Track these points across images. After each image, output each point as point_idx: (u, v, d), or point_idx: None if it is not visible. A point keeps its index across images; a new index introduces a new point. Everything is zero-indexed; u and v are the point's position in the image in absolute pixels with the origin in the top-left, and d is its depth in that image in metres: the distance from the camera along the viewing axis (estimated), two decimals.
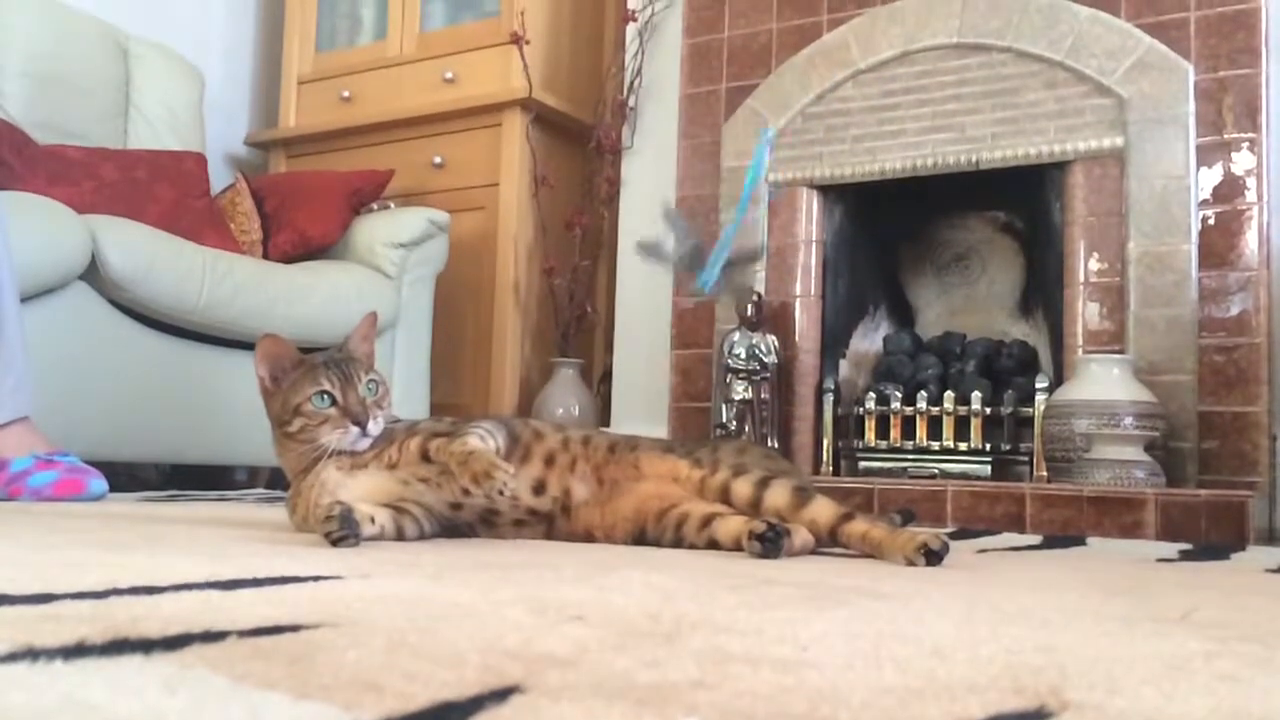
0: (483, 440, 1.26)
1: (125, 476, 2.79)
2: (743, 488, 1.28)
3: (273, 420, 1.31)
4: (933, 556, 1.15)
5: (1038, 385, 2.46)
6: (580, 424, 3.01)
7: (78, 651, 0.49)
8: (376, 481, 1.27)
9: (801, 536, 1.22)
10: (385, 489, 1.27)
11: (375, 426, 1.27)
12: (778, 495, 1.26)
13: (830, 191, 2.79)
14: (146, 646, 0.51)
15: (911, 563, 1.15)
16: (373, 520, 1.20)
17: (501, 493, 1.18)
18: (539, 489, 1.32)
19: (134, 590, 0.71)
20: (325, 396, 1.26)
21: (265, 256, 2.99)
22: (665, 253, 2.40)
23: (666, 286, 2.94)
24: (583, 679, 0.48)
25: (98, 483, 1.96)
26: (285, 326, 2.68)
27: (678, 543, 1.28)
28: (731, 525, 1.24)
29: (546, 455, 1.34)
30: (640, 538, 1.31)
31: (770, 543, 1.16)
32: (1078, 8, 2.46)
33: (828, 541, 1.24)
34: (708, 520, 1.26)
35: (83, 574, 0.79)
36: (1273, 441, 2.26)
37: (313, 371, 1.27)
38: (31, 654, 0.47)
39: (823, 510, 1.24)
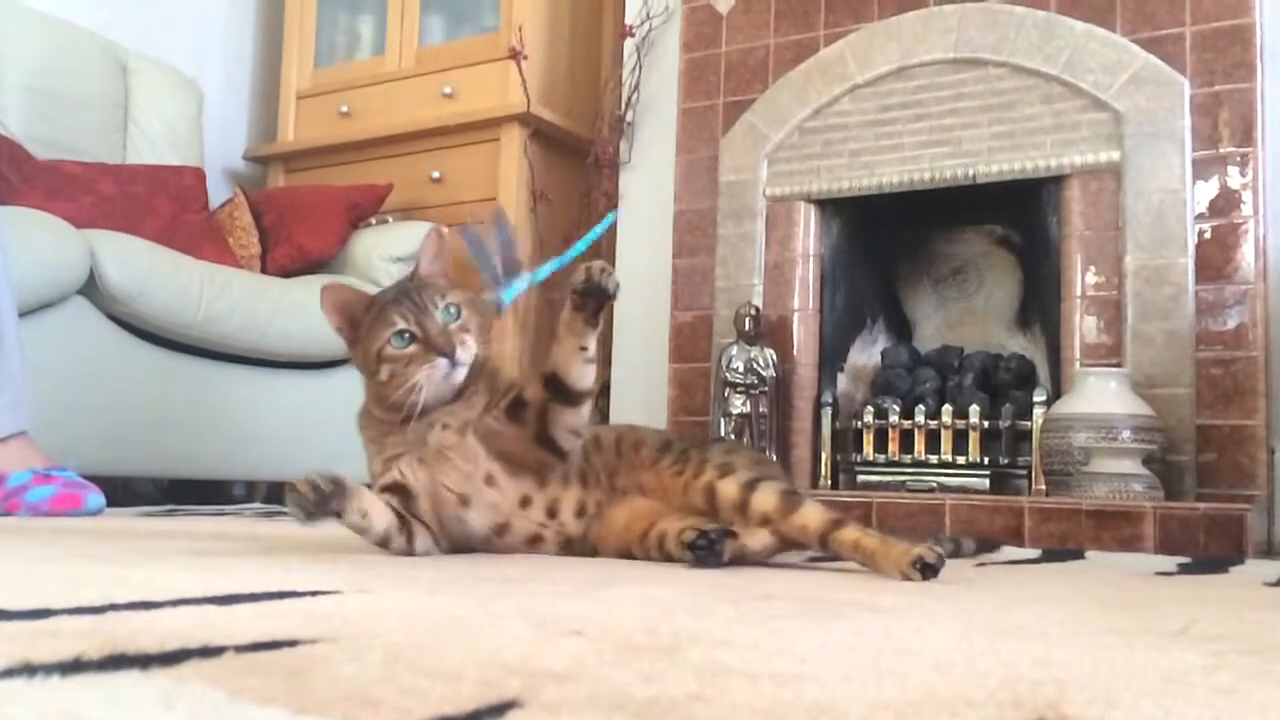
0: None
1: (123, 491, 2.79)
2: (729, 489, 1.22)
3: (363, 373, 1.24)
4: (928, 570, 1.09)
5: (1036, 399, 2.46)
6: None
7: (75, 667, 0.49)
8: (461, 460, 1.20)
9: (759, 539, 1.20)
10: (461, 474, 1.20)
11: (466, 353, 1.18)
12: (766, 499, 1.19)
13: (828, 205, 2.80)
14: (144, 662, 0.51)
15: (907, 577, 1.10)
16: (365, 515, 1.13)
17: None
18: (580, 512, 1.28)
19: (131, 605, 0.70)
20: (404, 335, 1.17)
21: (263, 271, 2.99)
22: (487, 253, 2.20)
23: (664, 301, 2.95)
24: (581, 693, 0.48)
25: (95, 498, 1.95)
26: (283, 341, 2.68)
27: (666, 559, 1.23)
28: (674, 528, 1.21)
29: (580, 473, 1.29)
30: (627, 555, 1.28)
31: (704, 550, 1.14)
32: (1073, 23, 2.47)
33: (817, 549, 1.19)
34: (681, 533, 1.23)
35: (80, 589, 0.79)
36: (1271, 455, 2.26)
37: (384, 312, 1.18)
38: (29, 670, 0.47)
39: (813, 516, 1.17)
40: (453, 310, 1.19)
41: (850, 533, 1.16)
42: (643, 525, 1.26)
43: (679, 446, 1.33)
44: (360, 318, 1.20)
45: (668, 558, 1.23)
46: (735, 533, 1.18)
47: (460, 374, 1.18)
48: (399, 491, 1.19)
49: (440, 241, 1.28)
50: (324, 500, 1.06)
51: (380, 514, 1.14)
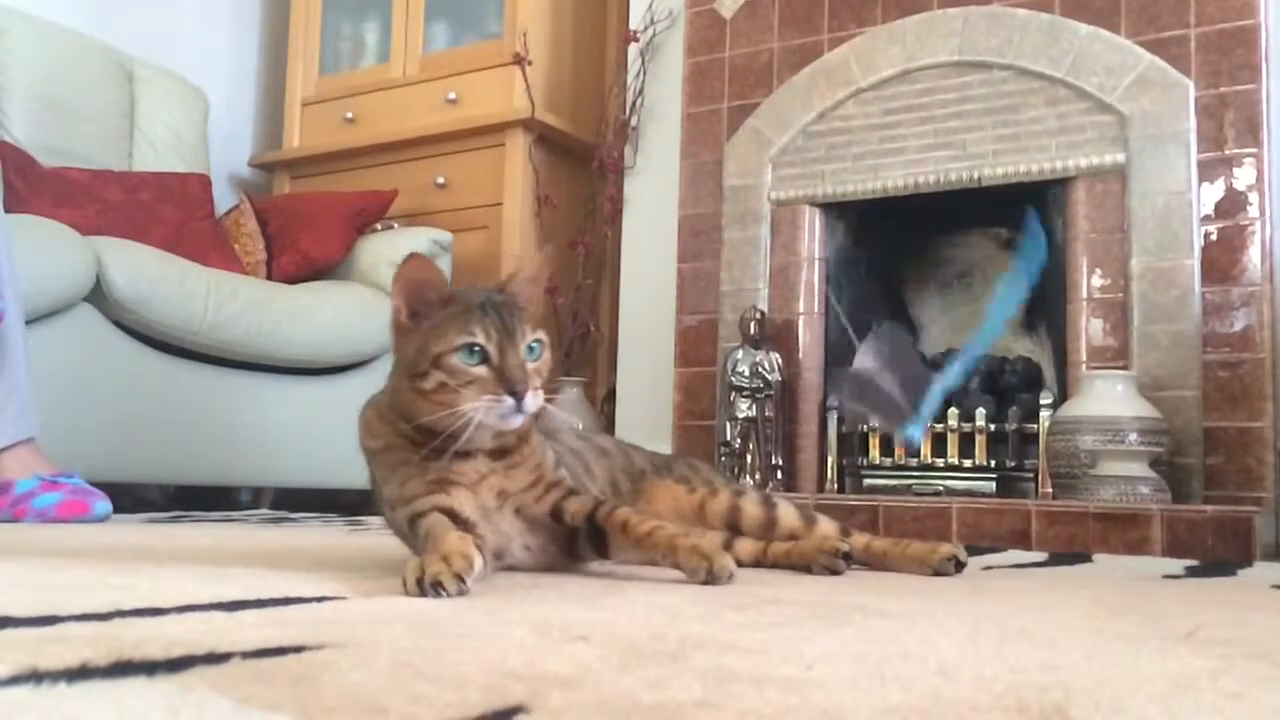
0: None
1: (129, 498, 2.79)
2: (752, 509, 1.28)
3: (401, 366, 1.03)
4: (959, 566, 1.24)
5: (1042, 402, 2.46)
6: None
7: (81, 674, 0.49)
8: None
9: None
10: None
11: (533, 401, 0.99)
12: (789, 516, 1.29)
13: (832, 209, 2.80)
14: (150, 669, 0.51)
15: (939, 573, 1.23)
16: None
17: (730, 576, 1.01)
18: None
19: (138, 612, 0.71)
20: (476, 351, 0.98)
21: (269, 277, 3.00)
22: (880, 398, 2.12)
23: (670, 305, 2.95)
24: (586, 699, 0.48)
25: (102, 504, 1.96)
26: (289, 347, 2.69)
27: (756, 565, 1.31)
28: (778, 549, 1.28)
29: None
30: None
31: (846, 560, 1.24)
32: (1078, 25, 2.47)
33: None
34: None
35: (86, 596, 0.79)
36: (1278, 457, 2.25)
37: (465, 315, 0.99)
38: (35, 676, 0.47)
39: (829, 527, 1.30)
40: (535, 348, 1.02)
41: (859, 539, 1.30)
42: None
43: (676, 468, 1.36)
44: (431, 306, 1.01)
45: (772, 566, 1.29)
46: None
47: (518, 423, 1.00)
48: (451, 516, 1.02)
49: (546, 266, 1.11)
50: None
51: (478, 557, 0.94)
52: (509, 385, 0.97)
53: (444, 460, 1.02)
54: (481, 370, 0.98)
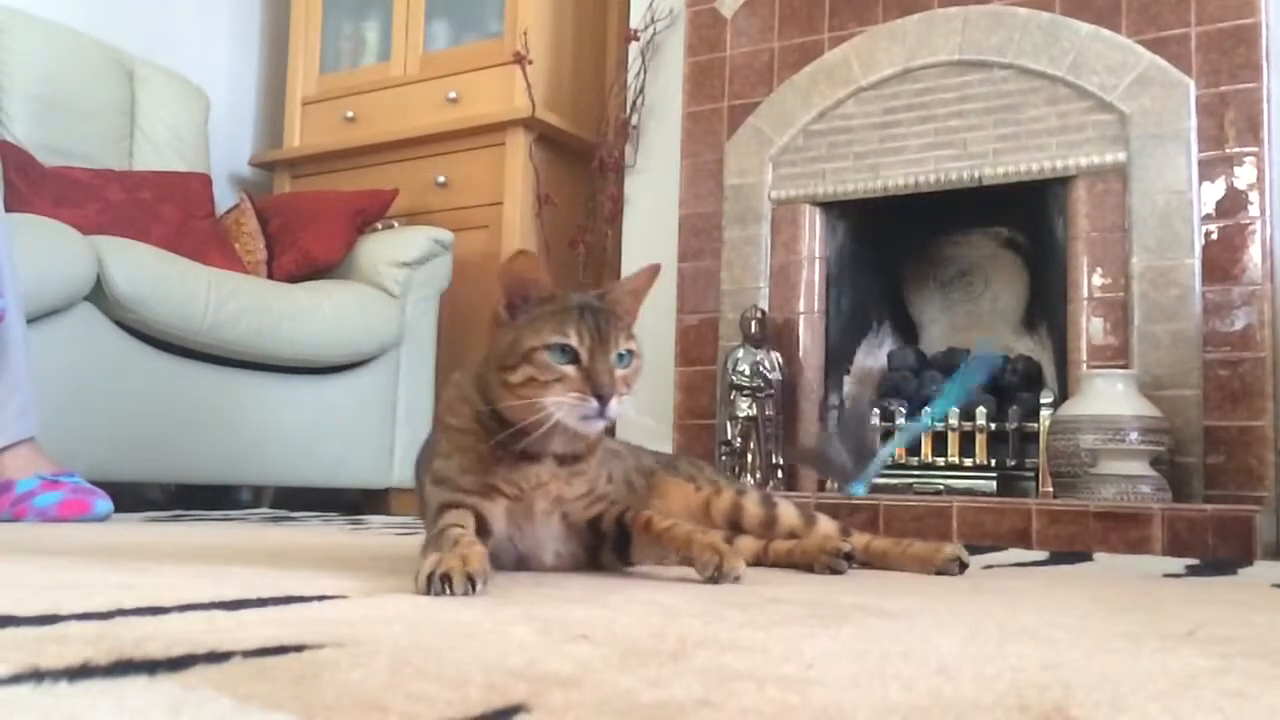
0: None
1: (130, 497, 2.79)
2: (753, 507, 1.30)
3: (492, 358, 1.04)
4: (963, 567, 1.26)
5: (1042, 401, 2.46)
6: None
7: (82, 673, 0.49)
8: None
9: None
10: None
11: (616, 408, 1.00)
12: (789, 515, 1.31)
13: (833, 208, 2.80)
14: (151, 668, 0.51)
15: (942, 573, 1.25)
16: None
17: (737, 578, 1.03)
18: None
19: (138, 611, 0.71)
20: (567, 351, 0.99)
21: (270, 276, 3.00)
22: (833, 461, 2.45)
23: (670, 303, 2.95)
24: (587, 698, 0.48)
25: (103, 503, 1.96)
26: (289, 346, 2.69)
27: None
28: (781, 547, 1.29)
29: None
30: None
31: (848, 560, 1.24)
32: (1078, 24, 2.47)
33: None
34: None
35: (87, 595, 0.79)
36: (1278, 456, 2.25)
37: (561, 315, 1.01)
38: (36, 675, 0.47)
39: (829, 526, 1.32)
40: (626, 357, 1.03)
41: (860, 538, 1.33)
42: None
43: (680, 468, 1.38)
44: (529, 302, 1.04)
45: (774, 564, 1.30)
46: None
47: (598, 427, 1.02)
48: (479, 520, 1.04)
49: (651, 280, 1.11)
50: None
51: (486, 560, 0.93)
52: (595, 387, 0.98)
53: (511, 458, 1.04)
54: (570, 370, 0.99)
